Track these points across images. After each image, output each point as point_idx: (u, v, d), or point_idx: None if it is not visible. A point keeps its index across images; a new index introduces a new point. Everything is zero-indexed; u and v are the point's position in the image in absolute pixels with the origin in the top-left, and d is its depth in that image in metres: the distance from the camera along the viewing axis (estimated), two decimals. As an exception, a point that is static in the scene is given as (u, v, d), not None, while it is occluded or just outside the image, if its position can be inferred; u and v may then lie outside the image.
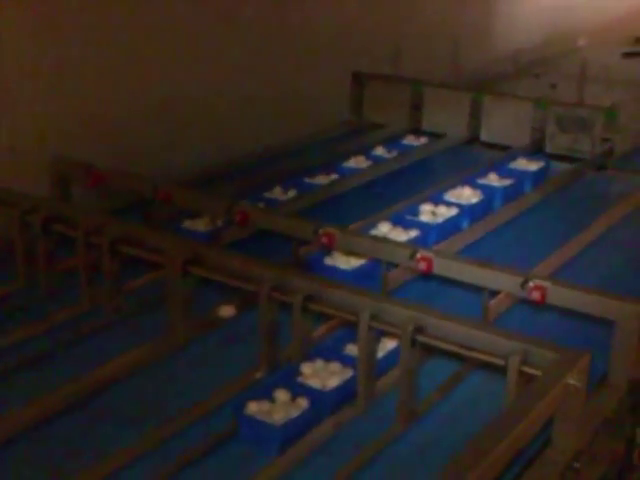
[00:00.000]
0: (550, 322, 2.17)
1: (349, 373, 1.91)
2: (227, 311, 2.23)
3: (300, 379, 1.91)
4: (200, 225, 2.66)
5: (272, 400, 1.83)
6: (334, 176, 3.23)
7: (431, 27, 4.66)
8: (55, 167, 2.74)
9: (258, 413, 1.78)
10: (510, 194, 3.08)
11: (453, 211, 2.85)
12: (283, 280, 1.95)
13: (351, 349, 1.99)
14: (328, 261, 2.46)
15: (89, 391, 1.90)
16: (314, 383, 1.88)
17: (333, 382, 1.88)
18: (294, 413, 1.78)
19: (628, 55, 6.15)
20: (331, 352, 2.00)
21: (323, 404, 1.83)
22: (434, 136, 3.82)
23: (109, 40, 3.01)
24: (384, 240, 2.44)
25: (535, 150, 3.64)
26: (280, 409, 1.79)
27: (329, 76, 3.97)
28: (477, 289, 2.14)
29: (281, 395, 1.84)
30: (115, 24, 3.02)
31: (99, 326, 2.19)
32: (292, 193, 3.03)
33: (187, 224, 2.68)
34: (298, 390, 1.86)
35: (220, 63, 3.45)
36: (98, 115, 2.99)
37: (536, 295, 1.96)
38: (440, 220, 2.79)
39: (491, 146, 3.77)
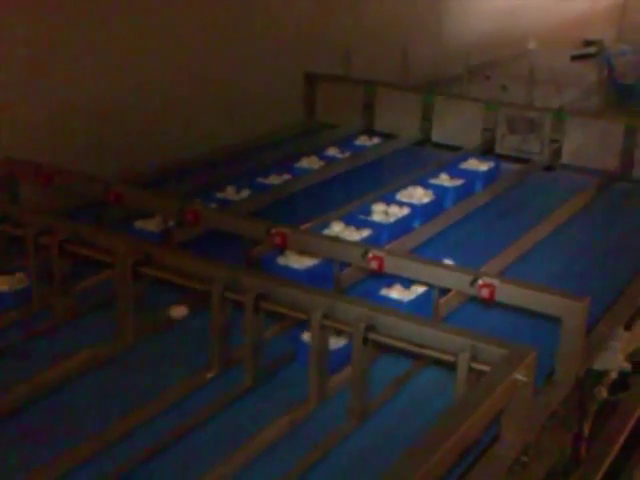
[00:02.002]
0: (500, 319, 2.20)
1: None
2: (179, 311, 2.22)
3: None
4: (152, 225, 2.65)
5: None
6: (287, 176, 3.23)
7: (382, 28, 4.69)
8: (2, 167, 2.71)
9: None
10: (461, 194, 3.12)
11: (405, 211, 2.88)
12: (235, 280, 1.95)
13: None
14: (281, 261, 2.46)
15: (40, 392, 1.88)
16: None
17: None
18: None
19: (576, 58, 6.26)
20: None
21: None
22: (386, 137, 3.85)
23: (55, 40, 2.97)
24: (336, 239, 2.46)
25: (485, 151, 3.68)
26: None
27: (282, 77, 3.97)
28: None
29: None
30: (64, 23, 2.99)
31: (49, 326, 2.16)
32: (245, 193, 3.03)
33: (139, 224, 2.66)
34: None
35: (173, 63, 3.44)
36: (48, 115, 2.96)
37: (485, 293, 1.99)
38: (392, 220, 2.81)
39: (442, 147, 3.81)
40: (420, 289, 2.27)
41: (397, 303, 2.24)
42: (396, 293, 2.29)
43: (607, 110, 4.52)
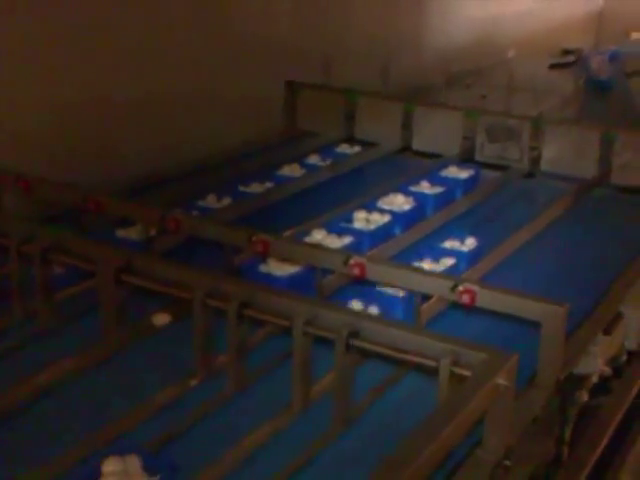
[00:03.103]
0: (481, 325, 2.21)
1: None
2: (161, 319, 2.22)
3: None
4: (133, 233, 2.65)
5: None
6: (268, 184, 3.24)
7: (363, 37, 4.71)
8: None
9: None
10: (441, 201, 3.14)
11: (386, 218, 2.89)
12: (217, 287, 1.96)
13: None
14: (263, 268, 2.47)
15: (23, 400, 1.88)
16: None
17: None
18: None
19: (555, 66, 6.33)
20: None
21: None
22: (367, 145, 3.86)
23: (38, 46, 2.96)
24: (318, 247, 2.47)
25: (465, 158, 3.71)
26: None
27: (263, 85, 3.98)
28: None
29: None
30: (47, 28, 2.98)
31: (32, 335, 2.16)
32: (226, 201, 3.03)
33: (121, 232, 2.66)
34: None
35: (154, 71, 3.44)
36: (28, 123, 2.95)
37: (466, 298, 2.01)
38: (373, 227, 2.83)
39: (423, 155, 3.84)
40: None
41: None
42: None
43: (584, 114, 4.59)
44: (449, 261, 2.59)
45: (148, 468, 1.62)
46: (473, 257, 2.66)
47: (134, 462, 1.62)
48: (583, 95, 5.43)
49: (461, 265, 2.59)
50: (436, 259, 2.59)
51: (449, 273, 2.46)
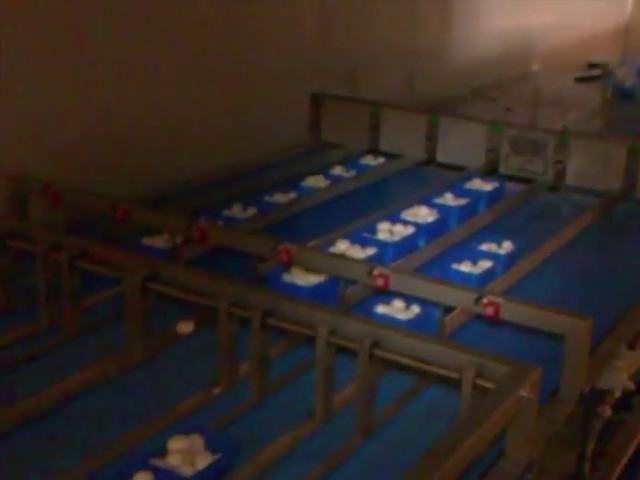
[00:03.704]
0: (504, 337, 2.21)
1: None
2: (186, 327, 2.24)
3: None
4: (160, 242, 2.67)
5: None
6: (293, 195, 3.26)
7: (388, 49, 4.73)
8: (11, 185, 2.74)
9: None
10: (465, 213, 3.14)
11: (410, 229, 2.90)
12: (241, 296, 1.97)
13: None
14: (286, 278, 2.48)
15: (47, 407, 1.90)
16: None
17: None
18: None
19: (580, 80, 6.31)
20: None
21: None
22: (391, 156, 3.87)
23: (58, 58, 3.00)
24: (342, 257, 2.48)
25: (490, 171, 3.71)
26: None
27: (288, 97, 4.01)
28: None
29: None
30: (67, 41, 3.02)
31: (57, 342, 2.18)
32: (252, 211, 3.05)
33: (147, 241, 2.68)
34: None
35: (184, 84, 3.48)
36: (51, 133, 2.98)
37: (489, 311, 2.01)
38: (397, 238, 2.83)
39: (447, 167, 3.84)
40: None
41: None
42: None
43: (608, 122, 4.59)
44: (486, 264, 2.64)
45: (211, 447, 1.72)
46: (510, 260, 2.73)
47: (197, 441, 1.72)
48: (609, 108, 5.42)
49: (498, 268, 2.66)
50: (474, 261, 2.65)
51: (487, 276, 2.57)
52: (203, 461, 1.67)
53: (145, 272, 2.06)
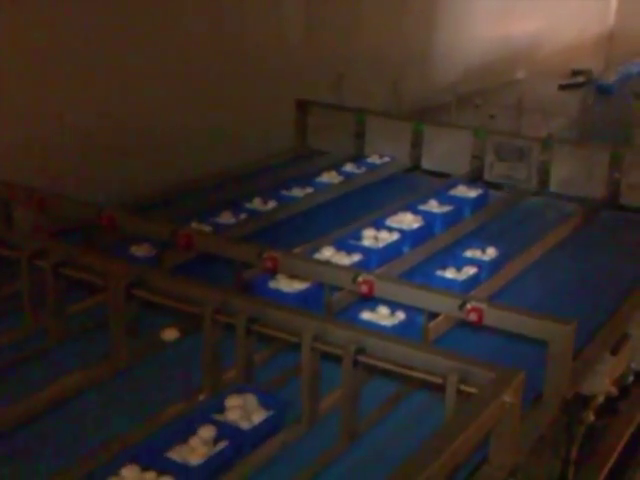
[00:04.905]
0: (489, 343, 2.22)
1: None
2: (170, 334, 2.24)
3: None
4: (145, 249, 2.67)
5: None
6: (278, 202, 3.26)
7: (373, 56, 4.75)
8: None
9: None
10: (450, 220, 3.15)
11: (395, 236, 2.91)
12: (226, 302, 1.98)
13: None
14: (272, 284, 2.49)
15: (32, 413, 1.89)
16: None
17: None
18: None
19: (564, 87, 6.35)
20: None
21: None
22: (376, 163, 3.88)
23: (45, 61, 3.00)
24: (327, 264, 2.48)
25: (474, 178, 3.73)
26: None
27: (274, 103, 4.02)
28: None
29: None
30: (55, 45, 3.02)
31: (42, 349, 2.18)
32: (237, 218, 3.05)
33: (132, 248, 2.68)
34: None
35: (169, 91, 3.48)
36: (37, 139, 2.98)
37: (473, 317, 2.02)
38: (382, 245, 2.85)
39: (432, 174, 3.86)
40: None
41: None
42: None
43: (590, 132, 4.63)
44: (471, 270, 2.65)
45: (263, 405, 1.89)
46: (494, 266, 2.74)
47: (251, 399, 1.90)
48: (591, 111, 5.48)
49: (482, 274, 2.67)
50: (458, 268, 2.66)
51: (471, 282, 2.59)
52: (258, 416, 1.85)
53: (129, 279, 2.06)
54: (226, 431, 1.79)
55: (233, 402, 1.88)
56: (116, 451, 1.77)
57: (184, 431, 1.78)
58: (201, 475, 1.67)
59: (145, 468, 1.66)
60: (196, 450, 1.73)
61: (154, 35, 3.39)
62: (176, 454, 1.72)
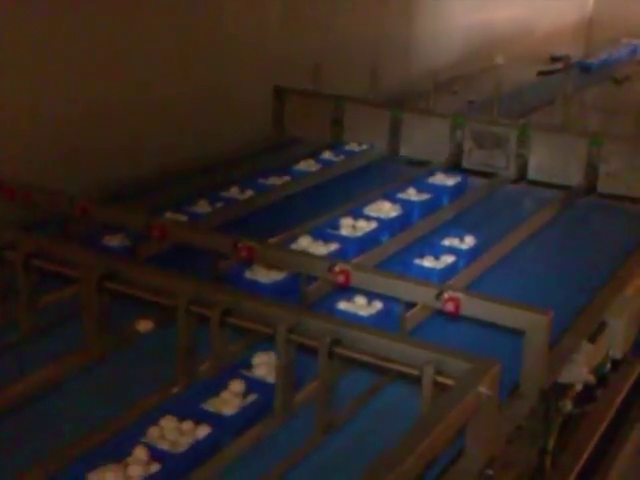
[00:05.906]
0: (467, 333, 2.21)
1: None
2: (145, 326, 2.21)
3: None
4: (118, 239, 2.63)
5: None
6: (255, 190, 3.23)
7: (351, 43, 4.72)
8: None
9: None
10: (428, 208, 3.14)
11: (373, 225, 2.89)
12: (201, 294, 1.95)
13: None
14: (248, 275, 2.46)
15: (4, 407, 1.87)
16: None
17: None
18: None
19: (543, 73, 6.34)
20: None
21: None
22: (355, 151, 3.86)
23: (18, 55, 2.95)
24: (303, 253, 2.46)
25: (453, 165, 3.71)
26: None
27: (251, 90, 3.98)
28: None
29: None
30: (34, 37, 2.97)
31: (14, 342, 2.14)
32: (213, 207, 3.01)
33: (106, 238, 2.64)
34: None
35: (140, 76, 3.43)
36: (10, 130, 2.94)
37: (450, 307, 2.01)
38: (360, 234, 2.82)
39: (410, 161, 3.84)
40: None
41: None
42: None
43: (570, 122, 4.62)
44: (449, 259, 2.64)
45: None
46: (472, 255, 2.73)
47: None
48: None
49: (460, 263, 2.66)
50: (436, 256, 2.65)
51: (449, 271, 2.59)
52: None
53: (101, 271, 2.03)
54: (254, 385, 1.93)
55: (260, 359, 2.01)
56: (91, 445, 1.74)
57: (216, 385, 1.91)
58: (235, 425, 1.81)
59: (181, 419, 1.79)
60: (229, 402, 1.86)
61: (127, 24, 3.34)
62: (210, 406, 1.85)
